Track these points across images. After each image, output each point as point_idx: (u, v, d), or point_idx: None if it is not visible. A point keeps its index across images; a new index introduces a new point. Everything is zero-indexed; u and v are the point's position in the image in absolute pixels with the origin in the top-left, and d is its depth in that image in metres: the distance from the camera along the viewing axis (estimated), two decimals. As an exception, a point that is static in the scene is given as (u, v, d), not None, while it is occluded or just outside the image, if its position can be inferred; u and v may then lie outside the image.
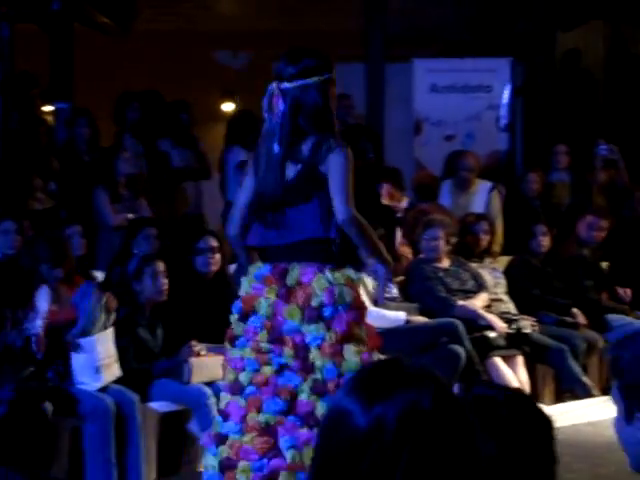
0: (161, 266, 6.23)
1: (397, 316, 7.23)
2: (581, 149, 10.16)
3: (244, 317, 4.19)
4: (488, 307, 7.66)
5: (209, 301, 6.50)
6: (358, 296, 4.11)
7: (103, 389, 5.72)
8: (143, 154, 8.47)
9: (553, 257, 8.33)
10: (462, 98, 10.10)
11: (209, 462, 4.17)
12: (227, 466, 4.05)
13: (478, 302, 7.57)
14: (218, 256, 6.74)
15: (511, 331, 7.48)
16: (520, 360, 7.46)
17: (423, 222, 7.82)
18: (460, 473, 1.64)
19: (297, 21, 10.57)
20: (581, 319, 7.96)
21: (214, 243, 6.74)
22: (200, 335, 6.25)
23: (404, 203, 8.74)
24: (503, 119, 10.21)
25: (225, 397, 4.21)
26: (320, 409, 3.93)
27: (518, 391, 2.13)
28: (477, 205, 8.96)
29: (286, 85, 4.09)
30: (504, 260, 8.45)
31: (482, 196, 9.06)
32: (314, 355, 4.00)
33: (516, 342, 7.48)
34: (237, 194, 4.37)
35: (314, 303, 4.01)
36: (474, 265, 7.90)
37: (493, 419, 1.93)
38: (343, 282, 4.06)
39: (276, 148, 4.08)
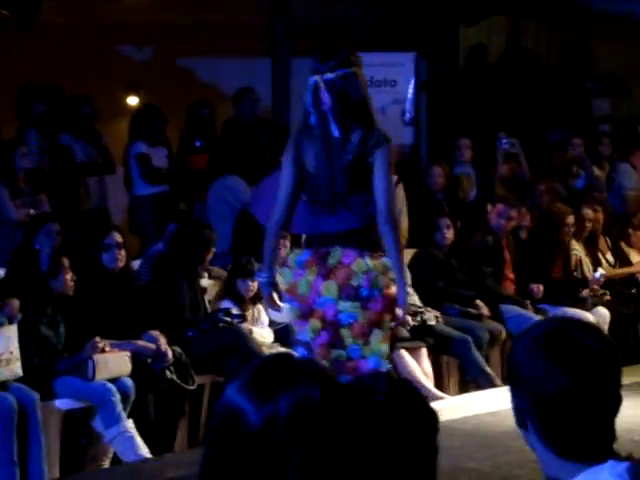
0: (66, 262, 6.22)
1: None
2: (484, 143, 10.32)
3: (290, 302, 4.46)
4: (393, 300, 7.72)
5: (113, 297, 6.45)
6: (389, 284, 4.32)
7: (3, 388, 5.63)
8: (47, 149, 8.35)
9: (458, 249, 8.44)
10: (368, 92, 10.15)
11: None
12: None
13: (384, 295, 7.62)
14: (124, 252, 6.70)
15: (416, 323, 7.56)
16: (424, 351, 7.54)
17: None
18: (350, 465, 1.66)
19: (202, 14, 10.50)
20: (484, 310, 8.08)
21: (120, 239, 6.69)
22: (104, 331, 6.19)
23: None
24: (408, 113, 10.29)
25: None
26: None
27: (402, 381, 2.15)
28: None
29: (329, 75, 4.34)
30: (409, 253, 8.52)
31: (388, 189, 9.12)
32: (345, 332, 4.24)
33: (421, 334, 7.56)
34: (281, 185, 4.50)
35: (354, 282, 4.26)
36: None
37: (372, 407, 1.95)
38: (380, 270, 4.31)
39: (336, 132, 4.31)
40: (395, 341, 7.41)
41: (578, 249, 9.00)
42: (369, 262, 4.31)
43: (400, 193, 9.17)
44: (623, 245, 9.56)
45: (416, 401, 2.01)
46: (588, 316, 8.39)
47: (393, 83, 10.21)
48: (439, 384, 7.59)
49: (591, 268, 9.02)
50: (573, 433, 1.94)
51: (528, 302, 8.41)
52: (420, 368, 7.43)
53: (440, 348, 7.70)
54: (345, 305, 4.25)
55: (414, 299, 7.89)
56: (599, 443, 1.96)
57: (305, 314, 4.32)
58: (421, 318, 7.64)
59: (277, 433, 1.62)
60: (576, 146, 10.27)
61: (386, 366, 4.35)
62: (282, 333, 7.09)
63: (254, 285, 6.91)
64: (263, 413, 1.63)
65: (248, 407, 1.64)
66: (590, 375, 1.96)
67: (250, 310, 6.99)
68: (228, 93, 9.91)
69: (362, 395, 1.94)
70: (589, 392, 1.95)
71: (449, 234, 8.28)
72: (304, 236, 4.58)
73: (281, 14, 10.14)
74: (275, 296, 4.52)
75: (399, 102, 10.19)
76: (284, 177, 4.48)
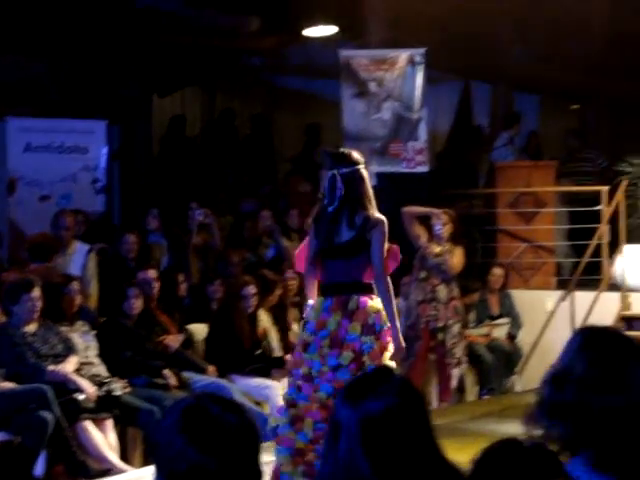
0: None
1: (-19, 383, 6.97)
2: (177, 212, 10.40)
3: (315, 333, 5.95)
4: (78, 370, 7.57)
5: None
6: (387, 319, 5.93)
7: None
8: None
9: (146, 319, 8.39)
10: (57, 158, 10.00)
11: (280, 420, 6.00)
12: (296, 419, 5.90)
13: (68, 366, 7.46)
14: None
15: (101, 394, 7.43)
16: (110, 423, 7.42)
17: (19, 286, 7.62)
18: None
19: None
20: (172, 380, 8.06)
21: None
22: None
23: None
24: (100, 181, 10.22)
25: (298, 381, 5.99)
26: None
27: None
28: (75, 266, 8.90)
29: (344, 170, 5.88)
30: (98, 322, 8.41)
31: (80, 257, 9.01)
32: (366, 358, 5.82)
33: (106, 405, 7.43)
34: (309, 249, 6.05)
35: (370, 321, 5.86)
36: (64, 328, 7.78)
37: None
38: (382, 308, 5.90)
39: (345, 214, 5.87)
40: (79, 413, 7.27)
41: (265, 319, 9.15)
42: (376, 303, 5.91)
43: (92, 261, 9.12)
44: (310, 315, 9.81)
45: None
46: (275, 384, 8.58)
47: (84, 150, 10.12)
48: (124, 456, 7.47)
49: (277, 337, 9.20)
50: None
51: (213, 368, 8.52)
52: (105, 440, 7.29)
53: (126, 419, 7.59)
54: (366, 339, 5.84)
55: (100, 369, 7.77)
56: None
57: (335, 344, 5.88)
58: (107, 388, 7.51)
59: None
60: (266, 218, 10.54)
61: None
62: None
63: None
64: None
65: None
66: (224, 451, 1.96)
67: None
68: None
69: None
70: (223, 468, 1.95)
71: (137, 304, 8.23)
72: (322, 284, 6.10)
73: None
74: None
75: (90, 169, 10.10)
76: (311, 244, 6.05)
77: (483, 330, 10.73)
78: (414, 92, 11.07)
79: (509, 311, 10.87)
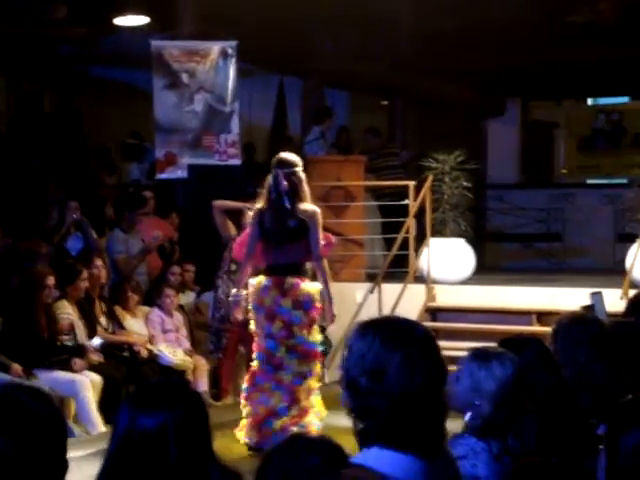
0: None
1: None
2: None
3: (257, 310, 7.23)
4: None
5: None
6: (318, 299, 7.22)
7: None
8: None
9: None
10: None
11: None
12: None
13: None
14: None
15: None
16: None
17: None
18: None
19: None
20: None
21: None
22: None
23: None
24: None
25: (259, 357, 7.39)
26: (287, 360, 7.18)
27: None
28: None
29: (287, 170, 7.15)
30: None
31: None
32: (295, 329, 7.15)
33: None
34: (250, 237, 7.33)
35: (300, 299, 7.14)
36: None
37: None
38: (315, 291, 7.20)
39: (288, 205, 7.11)
40: None
41: (71, 312, 8.97)
42: (308, 287, 7.19)
43: None
44: (118, 309, 9.69)
45: None
46: (82, 379, 8.43)
47: None
48: None
49: (85, 332, 9.02)
50: None
51: (17, 366, 8.31)
52: None
53: None
54: (296, 312, 7.13)
55: None
56: None
57: (270, 317, 7.16)
58: None
59: None
60: (72, 209, 10.31)
61: (320, 347, 7.44)
62: None
63: None
64: None
65: None
66: (33, 440, 1.96)
67: None
68: None
69: None
70: (30, 457, 1.95)
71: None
72: (264, 266, 7.30)
73: None
74: (239, 311, 7.47)
75: None
76: (252, 233, 7.30)
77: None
78: (227, 84, 11.08)
79: (319, 303, 11.00)
